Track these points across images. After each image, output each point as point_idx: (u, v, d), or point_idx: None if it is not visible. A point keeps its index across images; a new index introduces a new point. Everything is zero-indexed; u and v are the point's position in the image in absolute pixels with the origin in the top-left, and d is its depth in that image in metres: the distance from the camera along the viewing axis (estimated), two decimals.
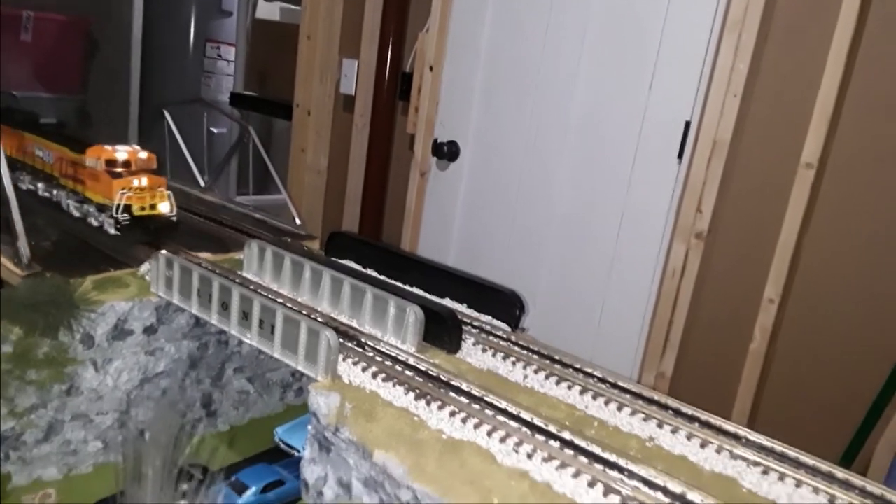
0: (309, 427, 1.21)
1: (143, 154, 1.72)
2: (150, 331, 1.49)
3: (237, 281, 1.45)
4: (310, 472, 1.21)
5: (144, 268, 1.54)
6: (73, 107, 3.86)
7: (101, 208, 1.71)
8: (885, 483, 1.02)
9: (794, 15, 2.12)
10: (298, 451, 1.36)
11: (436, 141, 2.95)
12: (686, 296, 2.34)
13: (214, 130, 4.12)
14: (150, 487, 1.12)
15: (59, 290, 1.41)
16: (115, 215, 1.65)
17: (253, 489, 1.37)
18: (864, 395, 1.99)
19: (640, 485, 0.94)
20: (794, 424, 2.18)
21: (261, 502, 1.37)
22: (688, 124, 2.31)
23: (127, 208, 1.65)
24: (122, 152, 1.69)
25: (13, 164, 1.97)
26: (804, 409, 2.20)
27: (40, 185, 1.95)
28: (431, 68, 2.91)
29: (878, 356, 1.99)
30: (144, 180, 1.68)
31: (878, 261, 2.05)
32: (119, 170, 1.67)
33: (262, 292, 1.44)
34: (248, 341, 1.34)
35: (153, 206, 1.68)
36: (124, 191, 1.64)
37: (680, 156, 2.33)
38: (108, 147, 1.70)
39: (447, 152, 2.92)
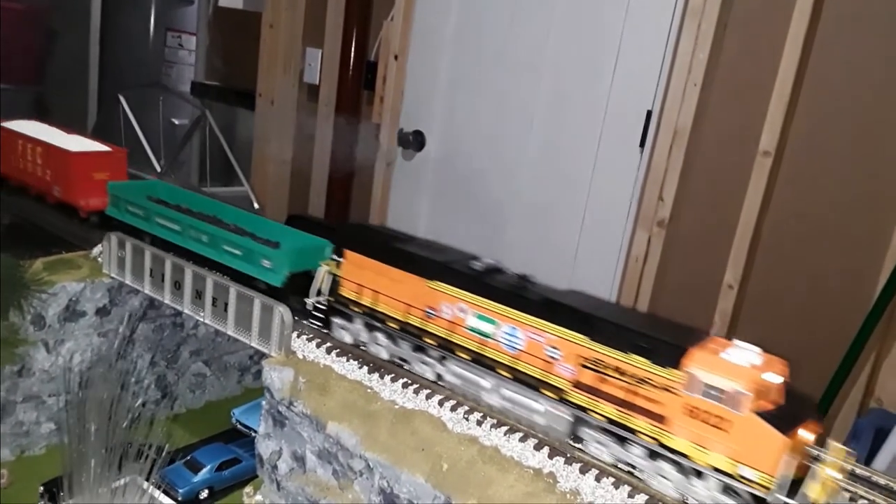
0: (263, 402, 1.21)
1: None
2: (102, 312, 1.48)
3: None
4: (264, 447, 1.21)
5: (97, 249, 1.52)
6: (30, 98, 3.78)
7: (700, 474, 0.92)
8: None
9: (752, 4, 2.15)
10: (255, 432, 1.35)
11: (401, 131, 2.94)
12: (648, 282, 2.36)
13: (176, 121, 4.05)
14: (91, 462, 1.10)
15: (8, 270, 1.39)
16: None
17: (208, 467, 1.36)
18: (820, 376, 2.02)
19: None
20: None
21: (216, 480, 1.36)
22: (649, 113, 2.33)
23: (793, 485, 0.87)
24: (771, 373, 0.90)
25: (397, 333, 1.17)
26: None
27: (488, 382, 1.06)
28: (396, 57, 2.90)
29: (833, 339, 2.02)
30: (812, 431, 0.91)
31: (833, 247, 2.09)
32: (772, 409, 0.87)
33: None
34: (201, 320, 1.33)
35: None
36: (794, 457, 0.86)
37: (642, 144, 2.36)
38: (746, 363, 0.90)
39: (413, 142, 2.91)
